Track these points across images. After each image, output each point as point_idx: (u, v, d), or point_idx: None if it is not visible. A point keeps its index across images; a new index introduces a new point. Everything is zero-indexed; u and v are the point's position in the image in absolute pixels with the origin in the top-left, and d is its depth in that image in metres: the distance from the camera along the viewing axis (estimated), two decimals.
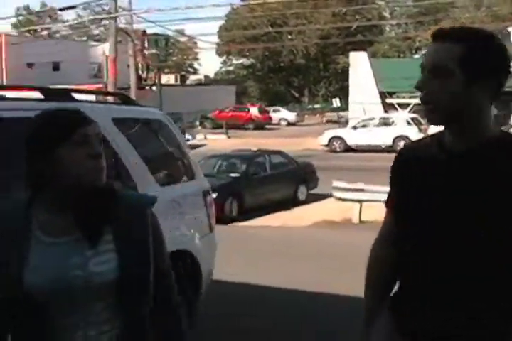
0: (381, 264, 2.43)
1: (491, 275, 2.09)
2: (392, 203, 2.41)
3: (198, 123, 50.07)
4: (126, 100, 5.36)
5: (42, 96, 4.59)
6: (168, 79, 59.38)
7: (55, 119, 2.11)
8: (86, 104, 4.72)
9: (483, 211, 2.04)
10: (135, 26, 40.12)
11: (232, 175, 16.45)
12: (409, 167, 2.30)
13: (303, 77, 76.13)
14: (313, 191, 18.75)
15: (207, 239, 5.65)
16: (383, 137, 31.93)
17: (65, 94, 4.76)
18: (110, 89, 28.45)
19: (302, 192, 18.13)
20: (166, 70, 73.03)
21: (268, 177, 17.26)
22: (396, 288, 2.41)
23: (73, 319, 2.04)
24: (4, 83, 44.21)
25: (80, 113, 2.18)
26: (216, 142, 38.51)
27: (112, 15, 29.51)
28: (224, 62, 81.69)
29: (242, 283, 8.09)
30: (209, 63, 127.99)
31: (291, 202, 17.37)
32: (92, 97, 5.76)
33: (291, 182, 17.72)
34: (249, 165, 17.12)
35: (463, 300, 2.11)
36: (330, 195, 15.95)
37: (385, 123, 33.68)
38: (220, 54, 77.12)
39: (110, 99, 5.46)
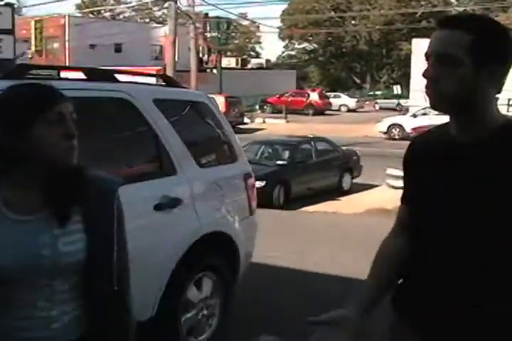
0: (388, 253, 2.39)
1: (496, 264, 2.06)
2: (404, 193, 2.40)
3: (257, 107, 50.08)
4: (169, 82, 5.38)
5: (85, 77, 4.66)
6: (229, 62, 59.40)
7: (29, 95, 2.03)
8: (127, 85, 4.77)
9: (491, 201, 2.02)
10: (198, 9, 40.27)
11: (279, 162, 16.13)
12: (419, 157, 2.29)
13: (365, 63, 75.39)
14: (356, 180, 18.31)
15: (247, 222, 5.66)
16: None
17: (108, 75, 4.80)
18: (169, 71, 28.59)
19: (346, 181, 17.64)
20: (228, 53, 73.25)
21: (313, 164, 16.78)
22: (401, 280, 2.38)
23: (36, 298, 2.05)
24: (67, 64, 44.94)
25: (55, 89, 2.09)
26: (275, 127, 38.45)
27: None
28: (286, 47, 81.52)
29: (287, 268, 8.13)
30: (271, 47, 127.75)
31: (335, 192, 17.00)
32: (152, 79, 5.73)
33: (335, 170, 17.25)
34: (295, 152, 16.72)
35: (468, 288, 2.09)
36: (375, 185, 15.70)
37: None
38: (282, 38, 76.91)
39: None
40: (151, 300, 4.50)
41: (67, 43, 49.47)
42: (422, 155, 2.28)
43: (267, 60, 71.46)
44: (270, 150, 17.25)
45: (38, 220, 2.05)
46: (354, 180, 18.21)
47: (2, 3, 21.64)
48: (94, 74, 4.69)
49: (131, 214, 4.32)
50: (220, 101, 33.24)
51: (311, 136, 18.96)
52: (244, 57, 72.64)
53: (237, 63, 62.18)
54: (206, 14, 44.56)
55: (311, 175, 16.23)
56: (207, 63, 48.45)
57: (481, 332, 2.07)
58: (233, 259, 5.43)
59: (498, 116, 2.11)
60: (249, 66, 64.16)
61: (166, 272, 4.56)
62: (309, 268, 8.03)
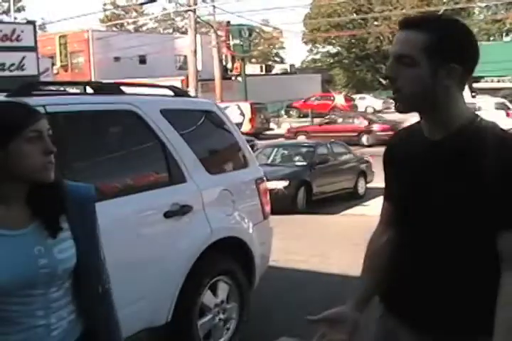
0: (375, 252, 2.47)
1: (465, 258, 2.12)
2: (384, 191, 2.48)
3: (283, 112, 50.11)
4: (177, 92, 5.49)
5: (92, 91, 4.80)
6: (253, 69, 59.55)
7: (5, 114, 2.06)
8: (133, 97, 4.89)
9: (454, 198, 2.08)
10: (220, 18, 40.46)
11: (299, 163, 15.83)
12: (395, 155, 2.36)
13: None
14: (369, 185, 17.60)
15: (261, 227, 5.75)
16: None
17: (114, 88, 4.93)
18: (191, 80, 28.78)
19: (361, 186, 17.04)
20: (253, 60, 73.38)
21: (330, 167, 16.24)
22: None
23: (34, 309, 2.11)
24: (92, 77, 45.37)
25: (30, 107, 2.13)
26: None
27: (191, 8, 29.77)
28: (310, 51, 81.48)
29: (310, 271, 8.19)
30: (295, 52, 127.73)
31: (352, 196, 16.48)
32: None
33: (351, 174, 16.78)
34: (312, 154, 16.28)
35: (435, 288, 2.17)
36: None
37: (473, 108, 32.86)
38: (305, 42, 76.91)
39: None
40: (166, 305, 4.60)
41: (91, 57, 49.93)
42: (397, 153, 2.35)
43: (291, 65, 71.45)
44: (285, 153, 17.03)
45: (30, 233, 2.09)
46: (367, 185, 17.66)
47: (24, 21, 22.04)
48: (99, 88, 4.82)
49: (141, 222, 4.50)
50: (246, 108, 33.42)
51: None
52: (269, 63, 72.77)
53: (261, 69, 62.33)
54: (228, 22, 44.72)
55: (329, 178, 15.81)
56: (231, 71, 48.60)
57: (453, 322, 2.15)
58: (248, 263, 5.52)
59: (465, 114, 2.15)
60: (273, 72, 64.23)
61: (179, 278, 4.66)
62: (333, 271, 8.07)
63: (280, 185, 13.81)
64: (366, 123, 30.40)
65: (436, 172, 2.14)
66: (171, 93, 5.51)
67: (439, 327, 2.17)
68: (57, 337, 2.15)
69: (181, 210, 4.69)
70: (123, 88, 5.05)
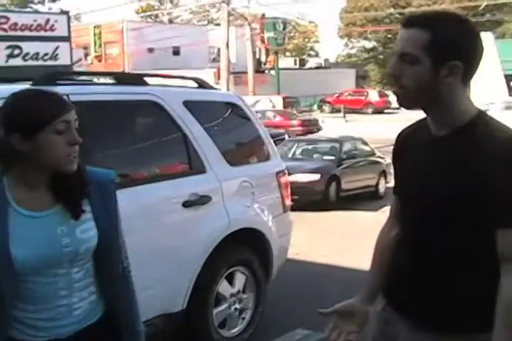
0: (382, 244, 2.52)
1: (460, 260, 2.15)
2: (394, 184, 2.52)
3: (315, 107, 50.00)
4: (201, 84, 5.56)
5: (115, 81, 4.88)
6: (287, 62, 59.44)
7: (41, 104, 2.09)
8: (157, 88, 4.96)
9: (451, 194, 2.10)
10: (255, 11, 40.38)
11: (326, 157, 15.35)
12: (402, 149, 2.41)
13: None
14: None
15: (280, 219, 5.81)
16: (506, 121, 30.72)
17: (137, 79, 5.01)
18: (223, 73, 28.83)
19: (382, 185, 16.38)
20: (287, 54, 73.16)
21: (355, 164, 15.76)
22: None
23: (58, 288, 2.20)
24: (126, 68, 45.58)
25: (62, 98, 2.16)
26: (333, 126, 38.29)
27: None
28: (345, 45, 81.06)
29: (332, 265, 8.22)
30: (330, 46, 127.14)
31: (374, 195, 15.98)
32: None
33: (373, 172, 16.22)
34: (337, 150, 15.66)
35: (434, 286, 2.21)
36: None
37: (508, 107, 32.47)
38: (341, 37, 76.50)
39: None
40: (182, 292, 4.70)
41: (125, 48, 50.13)
42: (403, 147, 2.39)
43: (326, 60, 71.14)
44: (309, 147, 16.59)
45: (53, 214, 2.19)
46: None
47: (55, 10, 22.26)
48: (124, 78, 4.90)
49: (160, 210, 4.58)
50: (278, 101, 33.43)
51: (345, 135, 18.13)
52: (303, 57, 72.53)
53: (295, 63, 62.20)
54: (263, 15, 44.68)
55: (356, 174, 15.37)
56: (265, 64, 48.60)
57: (452, 320, 2.18)
58: (266, 255, 5.59)
59: (468, 110, 2.17)
60: (307, 66, 64.03)
61: (195, 266, 4.75)
62: (353, 266, 8.08)
63: (312, 177, 13.65)
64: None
65: (438, 169, 2.16)
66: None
67: (437, 325, 2.20)
68: (79, 316, 2.25)
69: (200, 200, 4.76)
70: (148, 79, 5.14)
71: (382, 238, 2.54)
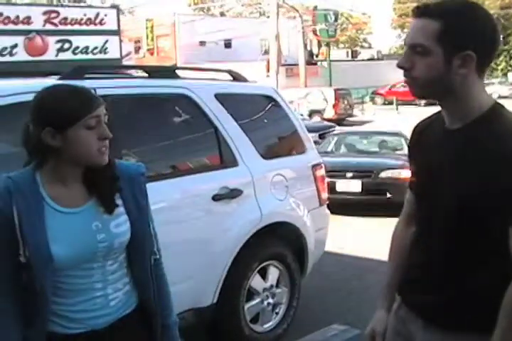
0: (399, 243, 2.48)
1: (473, 257, 2.09)
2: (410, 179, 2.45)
3: (367, 99, 49.57)
4: (235, 76, 5.51)
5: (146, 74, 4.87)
6: (339, 54, 59.07)
7: (73, 100, 2.12)
8: (188, 81, 4.94)
9: (467, 188, 2.03)
10: (307, 3, 40.20)
11: (398, 152, 13.99)
12: (417, 144, 2.35)
13: None
14: None
15: (316, 213, 5.73)
16: None
17: (169, 72, 4.99)
18: (272, 65, 28.77)
19: None
20: (340, 46, 72.77)
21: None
22: None
23: (93, 281, 2.25)
24: (177, 61, 45.83)
25: (92, 93, 2.20)
26: (385, 118, 37.94)
27: None
28: (398, 36, 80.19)
29: (374, 259, 8.12)
30: (383, 38, 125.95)
31: None
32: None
33: None
34: (406, 143, 15.24)
35: (446, 281, 2.16)
36: None
37: None
38: (394, 28, 75.78)
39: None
40: (212, 287, 4.67)
41: (177, 41, 50.34)
42: (419, 142, 2.33)
43: (378, 51, 70.47)
44: (371, 141, 16.13)
45: (87, 210, 2.23)
46: None
47: (107, 5, 22.49)
48: (154, 71, 4.88)
49: (189, 204, 4.56)
50: (329, 93, 33.19)
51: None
52: (356, 48, 72.03)
53: (347, 55, 61.80)
54: (315, 7, 44.49)
55: None
56: (317, 56, 48.38)
57: (464, 319, 2.12)
58: (301, 249, 5.53)
59: (484, 102, 2.09)
60: (359, 57, 63.57)
61: (225, 260, 4.72)
62: None
63: (405, 174, 12.70)
64: None
65: (452, 162, 2.09)
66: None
67: (450, 324, 2.15)
68: (115, 306, 2.30)
69: (230, 194, 4.72)
70: (181, 72, 5.12)
71: (398, 237, 2.50)
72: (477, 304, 2.08)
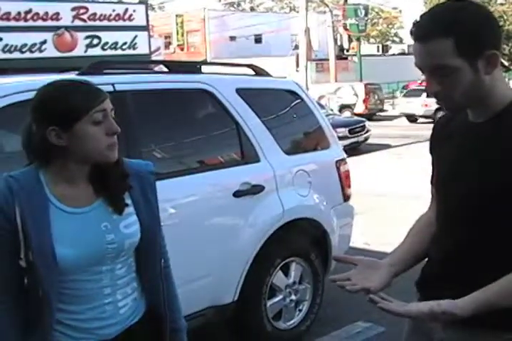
0: (422, 223, 2.42)
1: (500, 253, 2.02)
2: (431, 173, 2.40)
3: (398, 93, 49.22)
4: (258, 71, 5.45)
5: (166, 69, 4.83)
6: (370, 49, 58.73)
7: (76, 94, 2.03)
8: (208, 76, 4.89)
9: (494, 179, 1.99)
10: None
11: None
12: (439, 138, 2.31)
13: None
14: None
15: (340, 209, 5.66)
16: None
17: (191, 67, 4.95)
18: (302, 60, 28.66)
19: None
20: (372, 40, 72.38)
21: None
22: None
23: (102, 286, 2.14)
24: (208, 57, 45.91)
25: (95, 87, 2.09)
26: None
27: None
28: None
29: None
30: None
31: None
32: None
33: None
34: None
35: (468, 276, 2.08)
36: None
37: None
38: None
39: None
40: (233, 284, 4.63)
41: (207, 36, 50.44)
42: (441, 135, 2.29)
43: (409, 46, 69.89)
44: None
45: (95, 210, 2.14)
46: None
47: (136, 1, 22.55)
48: (175, 66, 4.84)
49: (210, 200, 4.53)
50: (360, 88, 33.01)
51: None
52: (386, 43, 71.62)
53: (377, 50, 61.42)
54: (345, 1, 44.24)
55: None
56: (347, 51, 48.16)
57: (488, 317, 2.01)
58: (324, 246, 5.46)
59: (506, 94, 2.06)
60: (390, 52, 63.17)
61: (246, 257, 4.67)
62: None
63: None
64: None
65: (476, 153, 2.05)
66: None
67: (469, 322, 2.04)
68: (125, 314, 2.20)
69: (252, 190, 4.67)
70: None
71: (421, 219, 2.45)
72: None
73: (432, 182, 2.38)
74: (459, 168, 2.11)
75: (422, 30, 1.99)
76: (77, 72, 4.09)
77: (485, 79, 1.98)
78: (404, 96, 32.73)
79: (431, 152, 2.37)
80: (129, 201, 2.19)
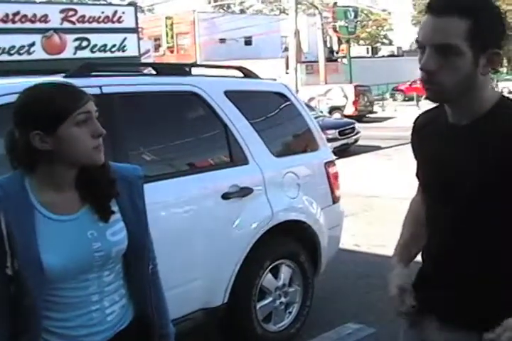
0: (417, 209, 2.43)
1: (492, 250, 2.02)
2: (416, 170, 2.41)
3: (388, 95, 49.33)
4: (246, 73, 5.44)
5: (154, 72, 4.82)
6: (360, 51, 58.86)
7: (56, 97, 1.99)
8: (196, 78, 4.88)
9: (478, 181, 1.98)
10: None
11: None
12: (421, 137, 2.29)
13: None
14: None
15: (329, 211, 5.65)
16: None
17: (179, 69, 4.94)
18: (291, 62, 28.68)
19: None
20: (361, 42, 72.50)
21: None
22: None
23: (90, 293, 2.11)
24: (198, 59, 45.89)
25: (78, 89, 2.05)
26: (406, 115, 37.72)
27: None
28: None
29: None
30: (404, 34, 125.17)
31: None
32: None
33: None
34: None
35: (463, 277, 2.09)
36: None
37: None
38: (414, 24, 75.37)
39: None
40: (222, 286, 4.61)
41: (197, 39, 50.42)
42: (421, 135, 2.28)
43: (399, 47, 70.18)
44: None
45: (81, 217, 2.10)
46: None
47: (125, 3, 22.51)
48: (163, 69, 4.83)
49: (198, 203, 4.51)
50: (350, 90, 33.05)
51: None
52: (377, 45, 71.79)
53: (367, 52, 61.57)
54: (335, 3, 44.31)
55: None
56: (337, 53, 48.26)
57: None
58: (314, 248, 5.45)
59: (491, 96, 2.04)
60: (380, 54, 63.32)
61: (236, 259, 4.65)
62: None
63: None
64: None
65: (466, 159, 2.03)
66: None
67: (464, 323, 2.08)
68: (112, 321, 2.17)
69: (240, 192, 4.66)
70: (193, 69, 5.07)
71: (415, 204, 2.47)
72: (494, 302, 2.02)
73: (417, 176, 2.36)
74: (451, 173, 2.08)
75: (441, 3, 1.93)
76: (63, 75, 4.06)
77: (479, 79, 1.96)
78: None
79: (414, 153, 2.36)
80: (115, 207, 2.16)
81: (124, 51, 20.26)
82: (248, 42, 52.89)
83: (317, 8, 37.56)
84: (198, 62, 40.42)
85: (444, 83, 1.95)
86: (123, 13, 20.42)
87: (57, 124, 1.97)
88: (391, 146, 19.90)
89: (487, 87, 2.03)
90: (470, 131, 2.03)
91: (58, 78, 3.94)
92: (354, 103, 32.85)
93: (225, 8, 64.99)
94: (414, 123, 2.35)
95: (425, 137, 2.24)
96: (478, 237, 2.03)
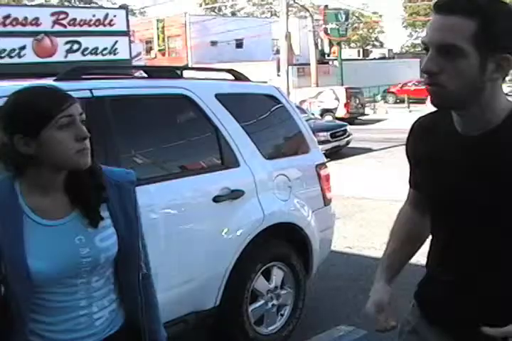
0: (405, 220, 2.40)
1: (503, 253, 1.97)
2: (410, 178, 2.34)
3: (379, 97, 49.39)
4: (237, 76, 5.45)
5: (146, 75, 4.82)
6: (351, 53, 58.93)
7: (38, 100, 1.99)
8: (187, 81, 4.88)
9: (495, 193, 1.90)
10: (318, 2, 40.18)
11: None
12: (420, 148, 2.18)
13: None
14: None
15: (321, 213, 5.66)
16: None
17: (170, 72, 4.94)
18: (283, 65, 28.69)
19: None
20: (352, 45, 72.62)
21: None
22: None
23: (78, 298, 2.10)
24: (189, 62, 45.87)
25: (61, 92, 2.05)
26: (397, 117, 37.78)
27: None
28: (410, 35, 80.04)
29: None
30: (395, 36, 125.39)
31: None
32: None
33: None
34: None
35: (473, 285, 2.03)
36: None
37: None
38: (405, 27, 75.64)
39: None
40: (214, 289, 4.61)
41: (188, 41, 50.41)
42: (422, 146, 2.16)
43: (390, 50, 70.28)
44: None
45: (70, 222, 2.08)
46: None
47: (116, 6, 22.47)
48: (154, 72, 4.83)
49: (189, 206, 4.51)
50: (341, 92, 33.09)
51: None
52: (367, 47, 71.93)
53: (358, 54, 61.65)
54: (326, 6, 44.36)
55: None
56: (328, 55, 48.27)
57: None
58: (305, 250, 5.45)
59: (505, 106, 1.93)
60: (371, 56, 63.40)
61: (227, 262, 4.65)
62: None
63: None
64: None
65: (479, 173, 1.94)
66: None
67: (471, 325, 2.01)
68: (101, 326, 2.16)
69: (231, 195, 4.66)
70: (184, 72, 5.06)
71: (403, 213, 2.43)
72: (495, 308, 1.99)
73: (414, 187, 2.32)
74: (462, 185, 1.98)
75: (450, 3, 1.83)
76: (54, 78, 4.05)
77: (487, 86, 1.86)
78: None
79: (409, 160, 2.27)
80: (106, 213, 2.14)
81: (115, 54, 20.23)
82: (239, 44, 52.91)
83: (308, 10, 37.66)
84: (190, 65, 40.41)
85: (446, 86, 1.84)
86: (114, 16, 20.39)
87: (40, 128, 1.96)
88: (382, 148, 19.95)
89: (499, 96, 1.92)
90: (480, 143, 1.93)
91: (49, 81, 3.94)
92: (345, 105, 32.87)
93: (216, 10, 65.03)
94: (413, 126, 2.24)
95: (428, 144, 2.12)
96: (494, 255, 1.98)
